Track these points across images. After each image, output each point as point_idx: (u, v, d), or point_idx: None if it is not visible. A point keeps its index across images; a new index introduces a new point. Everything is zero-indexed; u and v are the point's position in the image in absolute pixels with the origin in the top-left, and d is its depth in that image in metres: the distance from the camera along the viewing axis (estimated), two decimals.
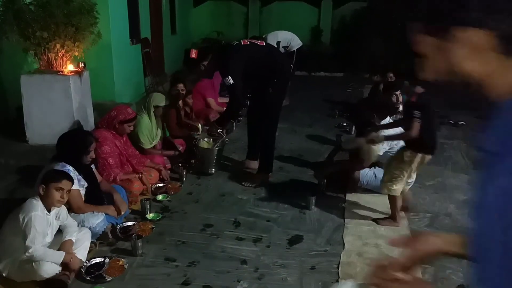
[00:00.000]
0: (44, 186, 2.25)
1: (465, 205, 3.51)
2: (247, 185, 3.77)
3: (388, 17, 9.68)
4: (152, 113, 3.86)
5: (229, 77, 3.37)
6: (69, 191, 2.33)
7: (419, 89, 3.05)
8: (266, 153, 3.93)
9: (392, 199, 3.14)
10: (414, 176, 3.54)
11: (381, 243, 2.90)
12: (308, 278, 2.52)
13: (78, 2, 4.20)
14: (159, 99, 3.92)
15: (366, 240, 2.96)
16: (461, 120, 6.02)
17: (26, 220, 2.13)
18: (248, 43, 3.75)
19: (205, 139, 4.17)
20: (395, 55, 8.96)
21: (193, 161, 4.12)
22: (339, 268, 2.61)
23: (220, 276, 2.50)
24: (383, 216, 3.26)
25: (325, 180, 3.74)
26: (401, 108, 4.19)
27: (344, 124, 5.67)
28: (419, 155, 3.00)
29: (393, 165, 3.12)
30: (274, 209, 3.38)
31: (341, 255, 2.76)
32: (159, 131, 4.00)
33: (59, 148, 2.70)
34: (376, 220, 3.21)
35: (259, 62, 3.59)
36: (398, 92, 4.10)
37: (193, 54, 3.68)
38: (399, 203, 3.16)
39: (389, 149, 3.41)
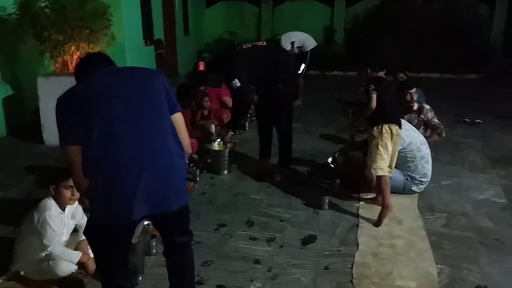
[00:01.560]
0: (54, 186, 2.28)
1: (482, 205, 3.44)
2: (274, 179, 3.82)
3: (401, 16, 9.59)
4: None
5: (236, 80, 3.45)
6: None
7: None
8: (285, 147, 3.97)
9: (379, 179, 3.16)
10: (429, 173, 3.49)
11: (397, 244, 2.86)
12: (322, 278, 2.50)
13: (92, 6, 4.27)
14: None
15: (381, 240, 2.92)
16: (477, 118, 5.90)
17: (40, 220, 2.17)
18: (250, 45, 3.81)
19: (217, 141, 4.19)
20: (405, 53, 8.88)
21: (209, 160, 4.13)
22: (353, 269, 2.58)
23: (234, 276, 2.50)
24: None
25: (339, 180, 3.71)
26: (415, 106, 4.13)
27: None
28: (385, 126, 3.12)
29: (370, 148, 3.19)
30: (288, 209, 3.36)
31: (355, 255, 2.72)
32: None
33: None
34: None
35: (263, 61, 3.65)
36: (412, 91, 4.05)
37: (201, 66, 3.80)
38: (388, 185, 3.15)
39: (402, 149, 3.36)
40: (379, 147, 3.12)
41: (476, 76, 9.84)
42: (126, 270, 1.85)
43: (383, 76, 3.46)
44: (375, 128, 3.16)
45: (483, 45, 9.99)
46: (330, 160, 4.07)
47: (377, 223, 3.10)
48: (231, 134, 4.10)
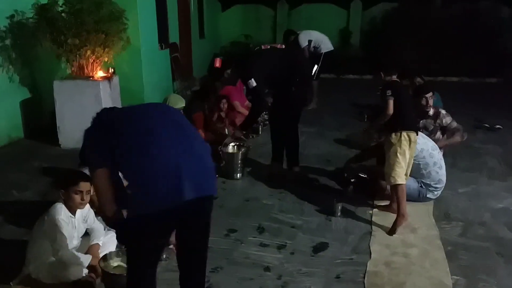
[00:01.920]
0: (63, 191, 2.30)
1: (501, 214, 3.33)
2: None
3: (419, 18, 9.43)
4: None
5: (252, 80, 3.50)
6: (89, 191, 2.33)
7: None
8: (291, 149, 4.02)
9: (396, 187, 3.08)
10: (443, 179, 3.40)
11: (411, 253, 2.79)
12: (333, 287, 2.45)
13: (108, 9, 4.32)
14: (174, 101, 3.85)
15: (394, 249, 2.85)
16: (497, 123, 5.73)
17: (50, 225, 2.19)
18: (268, 47, 3.90)
19: (231, 144, 4.18)
20: (424, 56, 8.71)
21: (222, 164, 4.10)
22: (365, 278, 2.52)
23: (243, 283, 2.48)
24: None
25: (352, 186, 3.66)
26: (431, 111, 4.04)
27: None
28: (404, 134, 3.06)
29: (388, 155, 3.10)
30: (299, 215, 3.33)
31: (368, 264, 2.67)
32: None
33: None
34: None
35: (280, 63, 3.70)
36: (428, 95, 3.96)
37: (217, 63, 3.90)
38: (404, 194, 3.09)
39: (414, 156, 3.28)
40: (398, 154, 3.05)
41: (497, 80, 9.59)
42: (156, 272, 1.93)
43: (397, 80, 3.39)
44: (393, 135, 3.09)
45: (505, 48, 9.73)
46: (344, 166, 4.02)
47: (391, 231, 3.03)
48: (244, 136, 4.15)
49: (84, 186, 2.30)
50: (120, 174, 1.90)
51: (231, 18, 11.98)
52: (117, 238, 2.09)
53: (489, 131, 5.61)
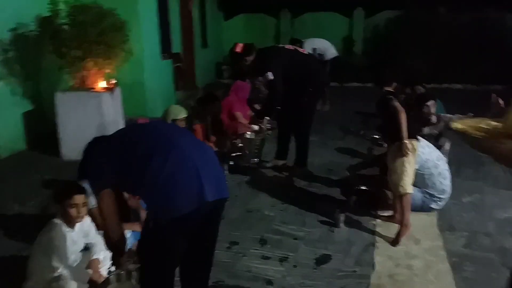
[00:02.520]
0: (58, 206, 2.27)
1: (506, 224, 3.27)
2: (285, 174, 4.16)
3: (424, 26, 9.40)
4: None
5: (270, 73, 3.68)
6: (85, 203, 2.28)
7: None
8: (301, 150, 4.20)
9: (403, 197, 3.04)
10: (447, 190, 3.36)
11: (414, 264, 2.75)
12: None
13: (110, 21, 4.35)
14: (177, 112, 3.84)
15: (397, 261, 2.81)
16: None
17: (48, 242, 2.17)
18: (293, 48, 4.09)
19: (249, 132, 4.49)
20: (427, 64, 8.68)
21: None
22: None
23: None
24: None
25: (355, 197, 3.62)
26: (434, 119, 4.02)
27: (377, 136, 5.48)
28: (405, 142, 3.03)
29: (395, 165, 3.07)
30: (302, 226, 3.29)
31: (371, 276, 2.63)
32: None
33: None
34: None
35: (299, 68, 3.87)
36: (430, 103, 3.94)
37: (238, 48, 3.88)
38: (409, 204, 3.06)
39: (419, 166, 3.25)
40: (405, 163, 3.04)
41: (502, 87, 9.53)
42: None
43: (392, 90, 3.45)
44: (397, 143, 3.07)
45: (510, 56, 9.68)
46: (347, 174, 4.01)
47: (395, 242, 2.99)
48: (261, 125, 4.45)
49: (79, 198, 2.25)
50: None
51: (234, 27, 12.04)
52: (139, 251, 2.03)
53: None
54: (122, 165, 1.81)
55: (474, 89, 9.47)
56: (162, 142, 1.83)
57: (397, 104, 3.13)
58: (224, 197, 1.89)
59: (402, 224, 3.01)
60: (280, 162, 4.35)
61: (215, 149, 4.46)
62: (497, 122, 3.26)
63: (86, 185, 2.20)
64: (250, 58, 3.88)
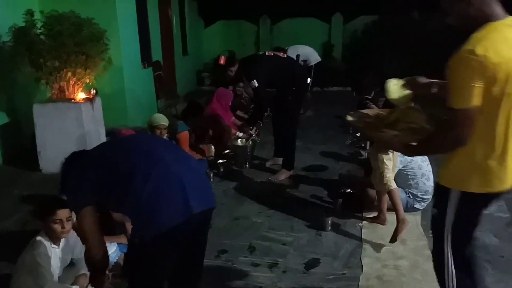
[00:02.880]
0: (42, 222, 2.20)
1: (486, 221, 3.34)
2: (274, 180, 4.29)
3: (398, 30, 9.62)
4: (154, 135, 3.84)
5: (255, 80, 3.89)
6: (69, 218, 2.21)
7: None
8: (287, 153, 4.42)
9: (391, 193, 3.10)
10: (430, 190, 3.43)
11: (401, 264, 2.78)
12: None
13: (89, 30, 4.28)
14: (156, 119, 3.90)
15: (385, 262, 2.84)
16: None
17: (31, 261, 2.09)
18: (272, 54, 4.31)
19: (239, 138, 4.67)
20: (404, 67, 8.88)
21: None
22: None
23: None
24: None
25: (341, 200, 3.65)
26: None
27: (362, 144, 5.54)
28: None
29: (377, 164, 3.12)
30: (290, 231, 3.29)
31: (360, 278, 2.65)
32: None
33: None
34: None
35: (281, 72, 4.10)
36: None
37: (222, 60, 4.15)
38: (399, 198, 3.13)
39: (403, 167, 3.31)
40: (385, 161, 3.10)
41: None
42: None
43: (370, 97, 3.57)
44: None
45: None
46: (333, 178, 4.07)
47: (393, 239, 3.01)
48: (251, 131, 4.59)
49: (63, 213, 2.18)
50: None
51: (214, 34, 12.04)
52: (126, 267, 1.98)
53: None
54: (103, 183, 1.74)
55: None
56: (144, 159, 1.77)
57: (374, 107, 3.20)
58: (211, 207, 1.87)
59: (398, 219, 3.02)
60: (280, 160, 4.54)
61: (203, 157, 4.45)
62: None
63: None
64: (233, 69, 4.14)
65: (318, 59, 7.06)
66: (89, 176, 1.74)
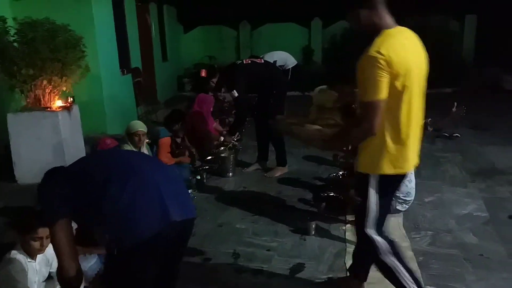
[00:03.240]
0: (20, 237, 2.13)
1: (465, 220, 3.43)
2: (270, 176, 4.49)
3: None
4: (133, 142, 3.78)
5: (234, 90, 4.06)
6: (48, 236, 2.10)
7: None
8: (278, 151, 4.62)
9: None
10: (412, 192, 3.48)
11: None
12: None
13: (64, 37, 4.19)
14: (133, 126, 3.81)
15: None
16: (455, 132, 5.99)
17: (6, 275, 2.01)
18: (249, 61, 4.47)
19: (222, 148, 4.71)
20: None
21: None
22: None
23: None
24: None
25: (324, 203, 3.67)
26: None
27: None
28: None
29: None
30: (274, 236, 3.28)
31: None
32: None
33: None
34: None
35: (260, 77, 4.28)
36: None
37: (203, 73, 4.57)
38: None
39: None
40: None
41: (452, 90, 10.09)
42: None
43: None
44: None
45: (456, 60, 10.29)
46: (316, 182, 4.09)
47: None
48: (234, 140, 4.74)
49: (43, 232, 2.12)
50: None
51: (194, 39, 12.00)
52: (104, 280, 1.92)
53: (448, 140, 5.84)
54: (78, 195, 1.70)
55: (427, 92, 9.93)
56: (121, 168, 1.76)
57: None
58: (191, 217, 1.84)
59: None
60: (263, 164, 4.69)
61: (184, 163, 4.41)
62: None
63: None
64: (214, 80, 4.49)
65: (295, 62, 7.27)
66: (61, 188, 1.71)
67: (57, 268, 1.76)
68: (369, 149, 1.99)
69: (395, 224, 3.36)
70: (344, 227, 3.38)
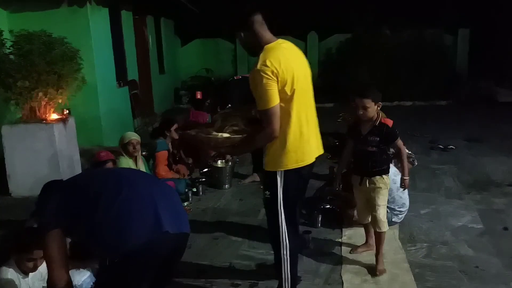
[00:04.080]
0: (15, 255, 2.12)
1: (461, 232, 3.43)
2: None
3: (372, 47, 9.95)
4: (128, 152, 3.79)
5: (229, 105, 4.20)
6: (43, 257, 2.11)
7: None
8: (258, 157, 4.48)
9: (382, 234, 2.91)
10: (406, 203, 3.48)
11: (380, 279, 2.79)
12: None
13: (61, 49, 4.20)
14: (126, 136, 3.87)
15: (364, 276, 2.85)
16: (450, 144, 6.02)
17: None
18: (240, 77, 4.70)
19: (219, 160, 4.70)
20: (379, 83, 9.15)
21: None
22: None
23: None
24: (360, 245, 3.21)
25: (321, 216, 3.66)
26: None
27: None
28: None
29: (378, 199, 2.88)
30: (270, 249, 3.19)
31: None
32: (142, 168, 3.92)
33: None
34: (356, 250, 3.15)
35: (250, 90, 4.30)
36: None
37: (198, 95, 4.88)
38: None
39: None
40: (386, 197, 2.93)
41: (446, 102, 10.19)
42: None
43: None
44: (384, 177, 2.88)
45: (450, 72, 10.43)
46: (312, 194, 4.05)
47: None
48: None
49: (38, 254, 2.10)
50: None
51: (191, 52, 12.07)
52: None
53: (443, 152, 5.87)
54: (71, 206, 1.71)
55: (422, 105, 10.06)
56: (114, 181, 1.79)
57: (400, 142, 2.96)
58: (186, 232, 1.84)
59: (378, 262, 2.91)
60: (258, 176, 4.62)
61: (181, 177, 4.40)
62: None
63: None
64: (209, 101, 4.91)
65: None
66: (55, 199, 1.72)
67: (47, 279, 1.74)
68: (273, 149, 2.21)
69: (390, 236, 3.35)
70: (340, 240, 3.36)
